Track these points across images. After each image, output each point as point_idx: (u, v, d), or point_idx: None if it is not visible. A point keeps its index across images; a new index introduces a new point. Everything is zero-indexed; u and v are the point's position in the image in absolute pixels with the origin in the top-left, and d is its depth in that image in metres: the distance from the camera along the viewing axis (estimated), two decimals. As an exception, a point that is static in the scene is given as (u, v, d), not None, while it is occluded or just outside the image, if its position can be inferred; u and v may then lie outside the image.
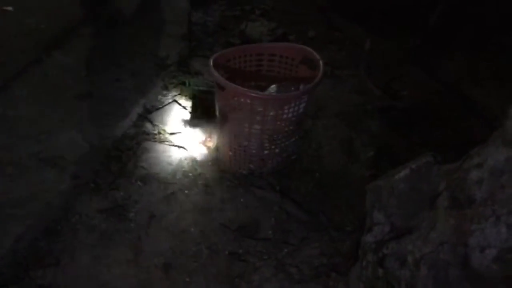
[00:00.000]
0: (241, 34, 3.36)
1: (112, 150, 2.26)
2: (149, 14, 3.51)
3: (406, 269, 1.33)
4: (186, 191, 2.12)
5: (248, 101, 1.87)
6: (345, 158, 2.33)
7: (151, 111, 2.54)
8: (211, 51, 3.08)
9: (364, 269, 1.52)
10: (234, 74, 2.14)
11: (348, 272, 1.77)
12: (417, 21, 3.11)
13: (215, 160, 2.28)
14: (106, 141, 2.29)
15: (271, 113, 1.92)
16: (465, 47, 3.06)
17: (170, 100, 2.64)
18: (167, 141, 2.36)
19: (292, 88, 2.09)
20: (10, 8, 3.23)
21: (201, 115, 2.52)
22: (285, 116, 1.95)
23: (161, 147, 2.33)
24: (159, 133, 2.40)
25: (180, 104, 2.62)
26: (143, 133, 2.40)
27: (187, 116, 2.55)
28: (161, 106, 2.59)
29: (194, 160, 2.27)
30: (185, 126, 2.47)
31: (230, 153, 2.17)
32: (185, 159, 2.28)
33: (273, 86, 2.13)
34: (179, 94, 2.69)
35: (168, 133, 2.41)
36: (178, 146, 2.34)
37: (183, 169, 2.22)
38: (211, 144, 2.34)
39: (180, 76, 2.83)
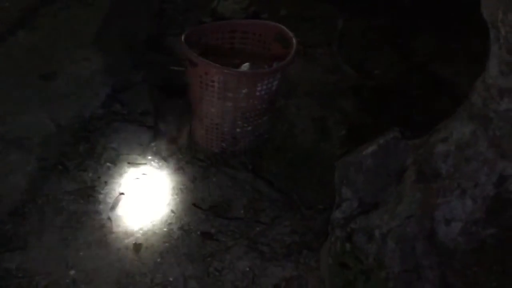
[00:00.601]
0: (213, 12, 3.29)
1: (80, 131, 2.20)
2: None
3: (373, 243, 1.35)
4: (157, 172, 2.10)
5: (221, 77, 1.85)
6: (318, 137, 2.33)
7: (120, 91, 2.47)
8: (182, 29, 3.01)
9: (333, 245, 1.54)
10: (206, 51, 2.09)
11: (320, 249, 1.79)
12: (389, 0, 3.10)
13: (187, 139, 2.25)
14: (74, 122, 2.23)
15: (244, 91, 1.91)
16: (436, 26, 3.08)
17: (140, 80, 2.58)
18: (137, 121, 2.31)
19: (266, 66, 2.07)
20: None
21: (172, 94, 2.47)
22: (258, 93, 1.94)
23: (130, 127, 2.28)
24: (129, 113, 2.35)
25: (150, 84, 2.56)
26: (112, 113, 2.33)
27: (158, 95, 2.49)
28: (130, 86, 2.52)
29: (165, 140, 2.23)
30: (155, 106, 2.42)
31: (203, 131, 2.15)
32: (156, 139, 2.24)
33: (246, 64, 2.12)
34: (149, 74, 2.63)
35: (138, 113, 2.35)
36: (148, 126, 2.29)
37: (154, 149, 2.19)
38: (180, 139, 2.30)
39: (150, 55, 2.76)
